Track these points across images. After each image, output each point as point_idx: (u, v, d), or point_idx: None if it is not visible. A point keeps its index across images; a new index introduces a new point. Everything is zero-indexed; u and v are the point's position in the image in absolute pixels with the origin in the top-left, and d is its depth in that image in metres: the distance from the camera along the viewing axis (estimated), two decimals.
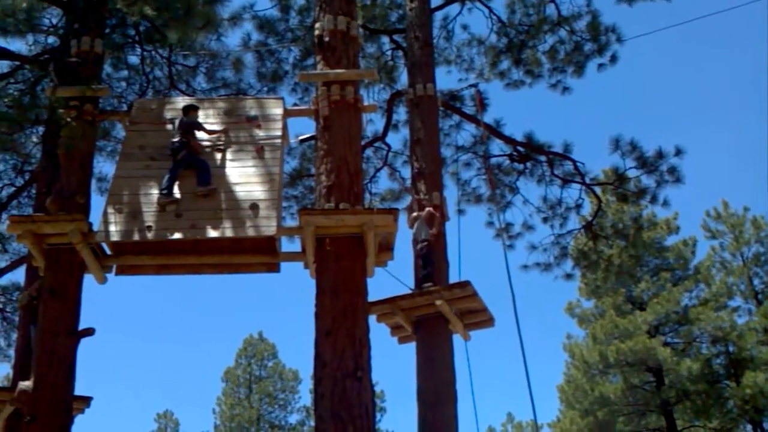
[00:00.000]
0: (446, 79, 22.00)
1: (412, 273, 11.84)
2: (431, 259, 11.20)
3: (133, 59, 14.43)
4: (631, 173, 15.66)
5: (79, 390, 8.62)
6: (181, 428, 40.38)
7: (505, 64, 17.47)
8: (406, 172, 15.44)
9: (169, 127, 9.45)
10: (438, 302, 10.81)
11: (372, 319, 10.83)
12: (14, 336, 15.26)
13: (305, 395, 37.39)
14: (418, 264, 11.28)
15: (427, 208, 11.62)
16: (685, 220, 34.06)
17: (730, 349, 25.70)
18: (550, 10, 16.76)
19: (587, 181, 16.30)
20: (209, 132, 9.42)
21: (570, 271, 17.28)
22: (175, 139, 9.11)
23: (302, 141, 12.99)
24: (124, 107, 13.03)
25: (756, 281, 27.52)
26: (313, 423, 8.00)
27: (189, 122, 9.32)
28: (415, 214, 11.68)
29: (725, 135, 58.87)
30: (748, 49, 57.63)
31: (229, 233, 8.50)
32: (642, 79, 65.75)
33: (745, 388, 23.88)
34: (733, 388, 24.78)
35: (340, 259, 8.27)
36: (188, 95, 13.96)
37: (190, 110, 9.51)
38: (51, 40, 13.88)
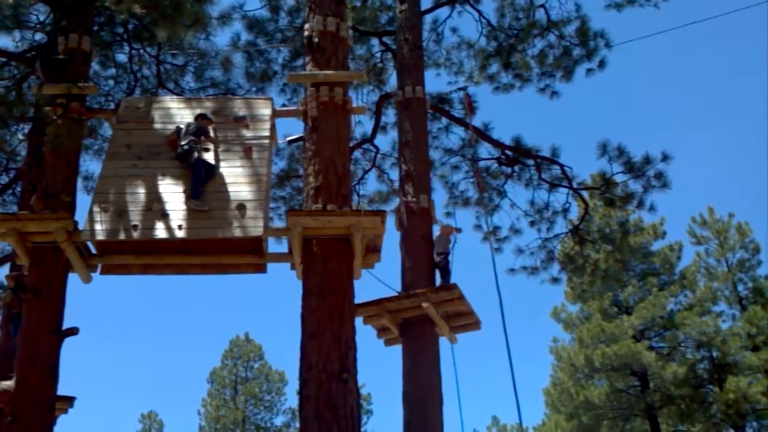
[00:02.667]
0: (435, 81, 22.04)
1: (398, 275, 11.86)
2: (448, 269, 11.59)
3: (121, 57, 14.39)
4: (619, 178, 15.72)
5: (62, 390, 8.52)
6: (166, 429, 40.27)
7: (494, 67, 17.54)
8: (395, 174, 15.44)
9: (158, 126, 9.37)
10: (424, 305, 10.82)
11: (358, 321, 10.83)
12: None
13: (291, 397, 37.38)
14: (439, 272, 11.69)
15: (454, 227, 12.20)
16: (671, 226, 34.32)
17: (714, 354, 25.87)
18: (540, 14, 16.87)
19: (574, 185, 16.36)
20: (212, 140, 9.32)
21: (556, 275, 17.32)
22: (184, 142, 8.97)
23: (290, 142, 12.92)
24: (112, 105, 12.95)
25: (740, 287, 27.72)
26: (298, 425, 7.96)
27: (200, 128, 9.21)
28: (442, 223, 12.33)
29: (712, 141, 59.35)
30: (735, 56, 58.15)
31: (215, 233, 8.46)
32: (630, 84, 66.18)
33: (728, 392, 24.05)
34: (717, 393, 24.96)
35: (326, 261, 8.25)
36: (176, 94, 13.90)
37: (204, 119, 9.43)
38: (38, 36, 13.78)
